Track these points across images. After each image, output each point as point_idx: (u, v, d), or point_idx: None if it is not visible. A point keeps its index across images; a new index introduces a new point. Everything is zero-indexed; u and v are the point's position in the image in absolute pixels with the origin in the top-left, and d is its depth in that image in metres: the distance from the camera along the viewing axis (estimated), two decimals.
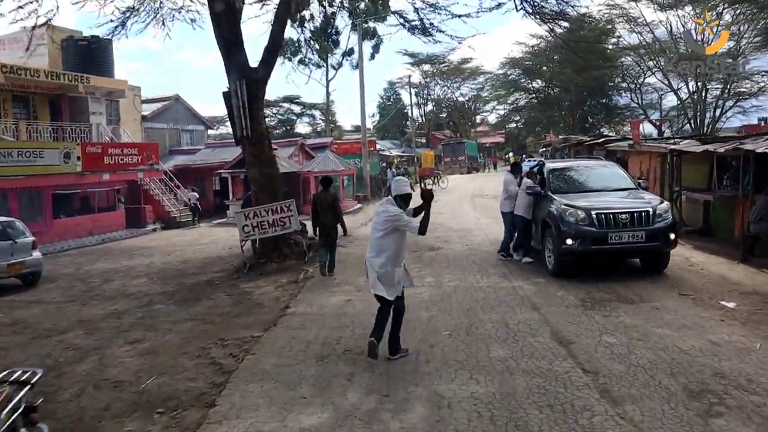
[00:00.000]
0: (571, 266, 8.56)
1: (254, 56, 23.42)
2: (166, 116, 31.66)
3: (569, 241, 8.25)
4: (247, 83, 11.64)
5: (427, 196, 5.42)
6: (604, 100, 47.81)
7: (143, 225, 23.36)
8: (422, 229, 5.28)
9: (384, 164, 35.77)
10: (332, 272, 9.97)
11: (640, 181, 10.33)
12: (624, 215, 8.15)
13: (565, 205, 8.60)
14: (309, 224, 10.91)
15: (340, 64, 43.01)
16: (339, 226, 10.11)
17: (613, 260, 9.26)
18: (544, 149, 37.10)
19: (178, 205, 24.97)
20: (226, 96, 11.93)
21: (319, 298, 8.54)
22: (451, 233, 14.71)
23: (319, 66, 42.09)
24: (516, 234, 10.19)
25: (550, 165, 10.39)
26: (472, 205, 23.11)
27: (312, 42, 33.65)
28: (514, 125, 64.85)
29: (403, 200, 5.47)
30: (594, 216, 8.17)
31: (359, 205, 25.56)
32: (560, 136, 31.12)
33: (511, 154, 64.84)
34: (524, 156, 46.32)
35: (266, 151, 12.21)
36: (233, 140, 13.91)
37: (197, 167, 28.43)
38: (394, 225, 5.32)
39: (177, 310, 8.69)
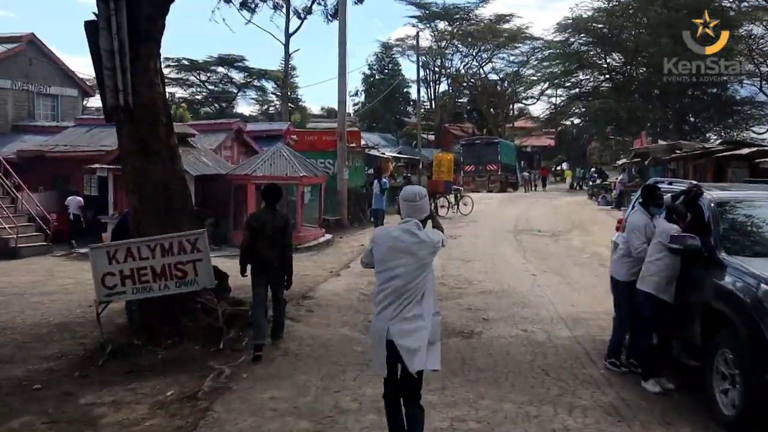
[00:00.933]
0: None
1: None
2: (12, 69, 31.06)
3: None
4: (129, 6, 10.48)
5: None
6: (714, 90, 47.30)
7: None
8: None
9: (371, 171, 34.82)
10: (278, 336, 10.32)
11: None
12: None
13: None
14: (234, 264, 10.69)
15: (308, 10, 42.21)
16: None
17: None
18: (628, 161, 35.84)
19: (16, 220, 23.73)
20: (91, 30, 10.67)
21: None
22: (490, 301, 13.40)
23: (276, 7, 41.08)
24: (638, 327, 8.63)
25: (715, 195, 8.74)
26: (518, 247, 21.76)
27: None
28: (570, 122, 65.14)
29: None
30: None
31: (328, 236, 24.13)
32: (662, 142, 29.93)
33: (565, 165, 64.88)
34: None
35: (161, 135, 11.35)
36: None
37: (59, 156, 27.34)
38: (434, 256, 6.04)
39: None
